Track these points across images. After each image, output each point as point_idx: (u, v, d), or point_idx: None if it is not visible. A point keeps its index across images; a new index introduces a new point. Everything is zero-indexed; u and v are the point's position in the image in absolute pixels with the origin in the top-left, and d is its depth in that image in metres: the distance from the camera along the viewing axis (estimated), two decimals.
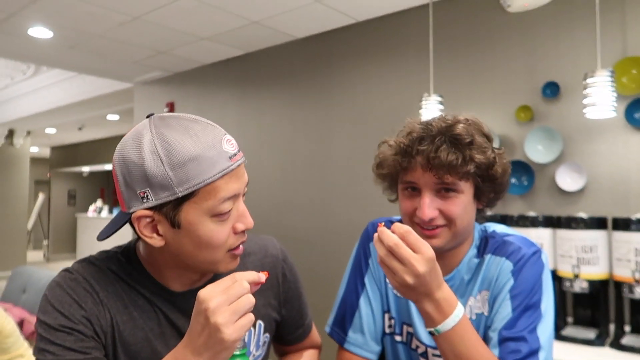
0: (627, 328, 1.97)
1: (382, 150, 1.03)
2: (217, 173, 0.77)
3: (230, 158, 0.79)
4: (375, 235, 0.84)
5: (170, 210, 0.78)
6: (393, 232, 0.82)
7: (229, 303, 0.68)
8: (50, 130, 8.52)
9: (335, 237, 3.21)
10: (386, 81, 3.04)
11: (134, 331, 0.84)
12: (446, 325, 0.83)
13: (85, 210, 10.67)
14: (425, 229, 0.95)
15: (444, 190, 0.94)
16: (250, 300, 0.70)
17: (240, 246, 0.86)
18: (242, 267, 0.99)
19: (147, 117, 0.82)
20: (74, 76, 5.58)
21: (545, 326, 0.91)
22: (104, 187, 11.74)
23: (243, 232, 0.84)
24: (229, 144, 0.81)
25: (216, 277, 0.95)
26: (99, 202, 10.00)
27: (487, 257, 1.01)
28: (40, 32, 3.45)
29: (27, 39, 3.62)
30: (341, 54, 3.27)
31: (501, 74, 2.56)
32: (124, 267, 0.88)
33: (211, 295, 0.69)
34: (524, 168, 2.45)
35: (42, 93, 6.28)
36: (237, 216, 0.83)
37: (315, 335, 1.19)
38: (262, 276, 0.75)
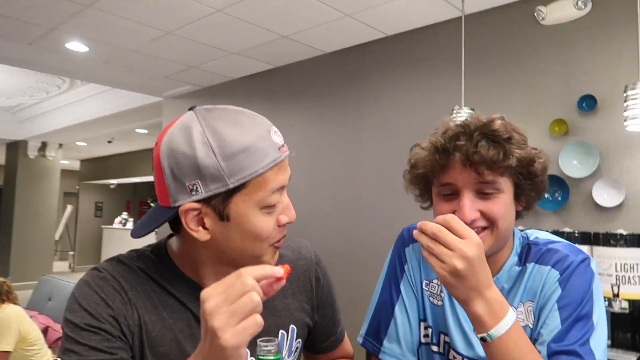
0: None
1: (415, 152, 1.01)
2: (269, 164, 0.77)
3: (279, 149, 0.79)
4: (415, 231, 0.81)
5: (219, 203, 0.77)
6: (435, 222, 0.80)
7: (229, 304, 0.62)
8: (81, 143, 8.74)
9: (364, 250, 3.16)
10: (416, 94, 3.02)
11: (163, 332, 0.82)
12: (500, 329, 0.78)
13: (111, 222, 10.84)
14: None
15: (484, 190, 0.90)
16: (253, 299, 0.63)
17: (281, 240, 0.85)
18: None
19: (190, 109, 0.81)
20: (106, 90, 5.73)
21: (599, 339, 0.86)
22: (130, 200, 11.93)
23: (284, 225, 0.84)
24: (277, 135, 0.81)
25: None
26: (124, 215, 10.15)
27: (530, 265, 0.96)
28: (76, 46, 3.56)
29: (64, 54, 3.74)
30: (371, 68, 3.27)
31: (535, 87, 2.52)
32: (154, 266, 0.86)
33: (210, 294, 0.64)
34: (558, 183, 2.38)
35: (75, 107, 6.46)
36: (282, 209, 0.82)
37: (347, 345, 1.15)
38: (280, 270, 0.70)
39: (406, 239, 1.10)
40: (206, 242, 0.80)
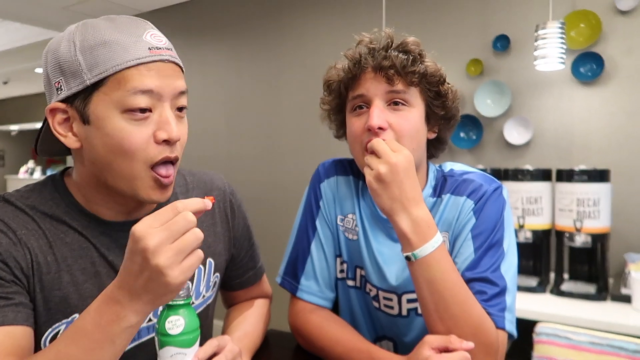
0: (565, 275, 2.06)
1: (330, 71, 1.02)
2: (130, 60, 0.70)
3: (150, 49, 0.73)
4: (367, 156, 0.86)
5: (80, 103, 0.72)
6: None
7: (172, 241, 0.59)
8: None
9: (284, 195, 3.14)
10: (337, 33, 2.93)
11: (60, 274, 0.75)
12: (425, 250, 0.79)
13: (16, 171, 10.02)
14: None
15: (395, 100, 0.91)
16: (197, 235, 0.61)
17: (169, 171, 0.76)
18: None
19: None
20: None
21: (509, 265, 0.89)
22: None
23: (168, 143, 0.74)
24: (154, 38, 0.75)
25: (160, 207, 0.86)
26: (30, 163, 9.41)
27: (446, 197, 0.97)
28: None
29: None
30: (290, 4, 3.12)
31: (453, 28, 2.52)
32: (50, 200, 0.78)
33: (149, 231, 0.59)
34: (472, 122, 2.46)
35: None
36: (159, 122, 0.73)
37: (266, 285, 1.14)
38: (208, 202, 0.66)
39: (322, 174, 1.08)
40: (81, 157, 0.76)
